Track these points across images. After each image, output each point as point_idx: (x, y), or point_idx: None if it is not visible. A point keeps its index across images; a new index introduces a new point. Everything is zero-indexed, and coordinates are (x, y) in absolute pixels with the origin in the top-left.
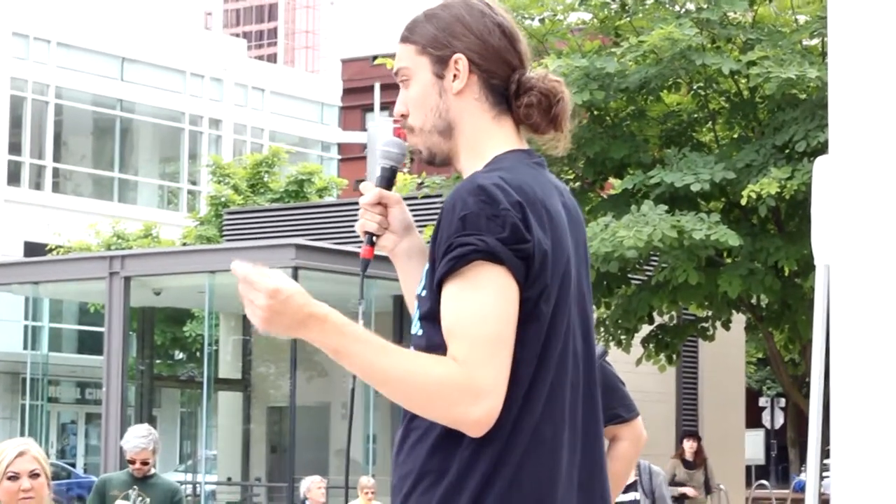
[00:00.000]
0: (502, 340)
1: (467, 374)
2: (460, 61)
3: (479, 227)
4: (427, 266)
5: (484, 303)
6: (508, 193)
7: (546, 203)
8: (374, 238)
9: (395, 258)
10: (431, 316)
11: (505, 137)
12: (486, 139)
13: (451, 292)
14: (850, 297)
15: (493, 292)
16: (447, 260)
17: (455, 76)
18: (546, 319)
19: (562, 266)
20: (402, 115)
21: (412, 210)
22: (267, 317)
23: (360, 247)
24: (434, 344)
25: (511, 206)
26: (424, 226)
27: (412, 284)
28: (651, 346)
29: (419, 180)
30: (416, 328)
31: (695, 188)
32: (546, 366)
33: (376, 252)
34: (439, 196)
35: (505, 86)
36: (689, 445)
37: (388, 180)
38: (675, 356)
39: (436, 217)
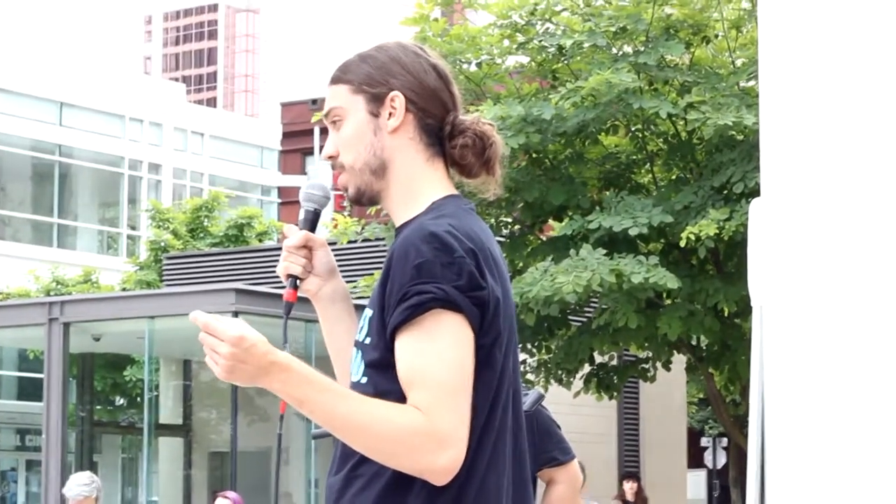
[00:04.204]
0: (463, 388)
1: (432, 422)
2: (397, 99)
3: (434, 275)
4: (371, 313)
5: (444, 351)
6: (461, 241)
7: (492, 250)
8: (298, 281)
9: (318, 302)
10: (379, 364)
11: (439, 181)
12: (420, 182)
13: (409, 341)
14: (783, 338)
15: (453, 341)
16: (404, 308)
17: (391, 114)
18: (499, 366)
19: (511, 313)
20: (331, 157)
21: (353, 255)
22: (230, 365)
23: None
24: (382, 391)
25: (465, 254)
26: (366, 271)
27: (336, 327)
28: (592, 384)
29: (359, 227)
30: (358, 376)
31: (633, 232)
32: (495, 412)
33: (299, 295)
34: (381, 240)
35: (439, 126)
36: (629, 487)
37: (311, 223)
38: (615, 393)
39: (377, 262)
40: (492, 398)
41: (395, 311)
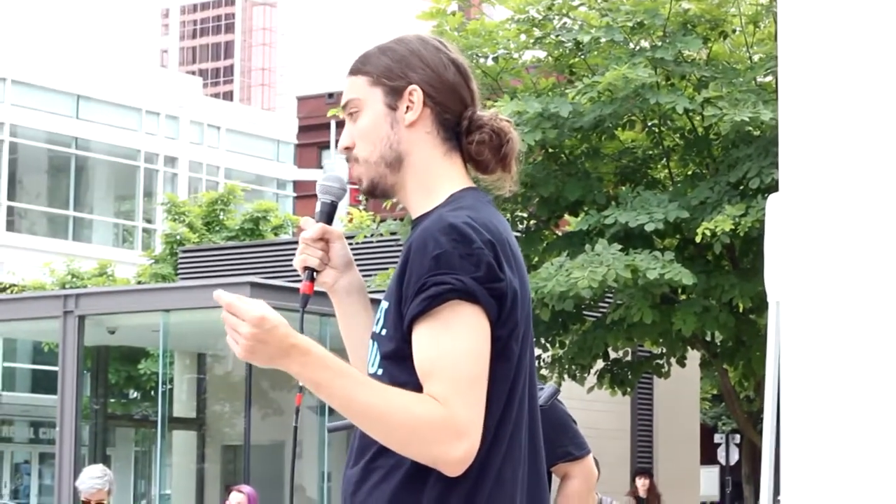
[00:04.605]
0: (479, 380)
1: (448, 413)
2: (415, 93)
3: (453, 266)
4: (387, 304)
5: (461, 342)
6: (480, 232)
7: (510, 242)
8: (315, 274)
9: (335, 294)
10: (395, 355)
11: (457, 174)
12: (437, 175)
13: (427, 332)
14: (800, 333)
15: (470, 331)
16: (422, 299)
17: (408, 108)
18: (515, 358)
19: (528, 305)
20: (347, 148)
21: (369, 250)
22: (250, 346)
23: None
24: (398, 383)
25: (484, 245)
26: (381, 266)
27: (352, 320)
28: (606, 379)
29: (375, 223)
30: (374, 367)
31: (649, 228)
32: (512, 405)
33: (316, 288)
34: (394, 234)
35: (457, 121)
36: (641, 483)
37: (328, 215)
38: (629, 389)
39: (393, 257)
40: (508, 390)
41: (412, 301)
